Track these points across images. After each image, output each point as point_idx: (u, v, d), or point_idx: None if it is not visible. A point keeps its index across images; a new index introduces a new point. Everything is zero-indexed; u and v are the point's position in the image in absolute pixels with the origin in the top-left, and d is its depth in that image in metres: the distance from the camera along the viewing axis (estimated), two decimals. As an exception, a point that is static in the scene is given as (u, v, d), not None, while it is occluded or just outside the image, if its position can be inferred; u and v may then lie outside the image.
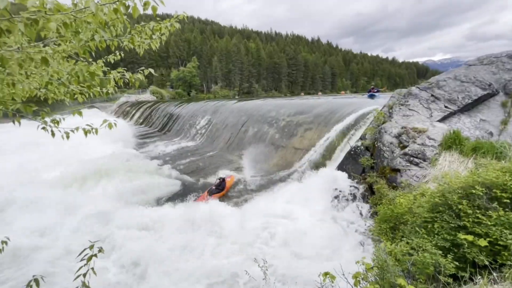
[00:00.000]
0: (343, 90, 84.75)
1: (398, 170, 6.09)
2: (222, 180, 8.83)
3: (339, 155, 8.32)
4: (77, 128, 2.44)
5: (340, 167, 7.63)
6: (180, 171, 10.47)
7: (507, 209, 2.79)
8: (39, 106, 2.38)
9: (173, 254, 4.93)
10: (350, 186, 6.87)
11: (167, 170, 10.07)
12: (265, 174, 9.66)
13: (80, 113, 2.44)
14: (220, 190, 8.45)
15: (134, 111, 33.21)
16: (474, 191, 2.89)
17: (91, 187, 8.09)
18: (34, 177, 8.75)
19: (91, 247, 2.04)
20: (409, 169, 5.92)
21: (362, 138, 7.78)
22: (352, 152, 7.63)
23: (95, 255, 2.01)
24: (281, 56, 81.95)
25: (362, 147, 7.48)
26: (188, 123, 20.02)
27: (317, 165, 8.73)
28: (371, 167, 6.92)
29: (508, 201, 2.85)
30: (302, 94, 70.44)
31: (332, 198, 6.74)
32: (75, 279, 1.95)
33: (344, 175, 7.21)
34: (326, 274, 2.90)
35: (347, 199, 6.64)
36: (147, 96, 49.42)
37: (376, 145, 7.09)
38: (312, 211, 6.11)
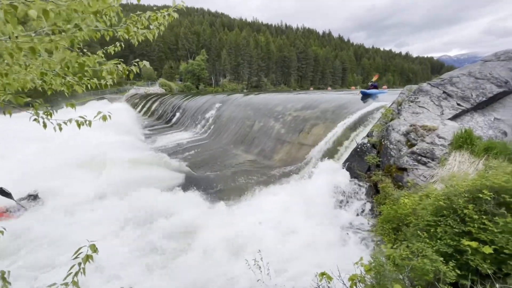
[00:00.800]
0: (353, 85, 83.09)
1: (404, 169, 5.90)
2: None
3: (345, 152, 8.13)
4: (70, 120, 2.39)
5: (345, 165, 7.46)
6: (184, 164, 10.49)
7: (515, 216, 2.63)
8: (41, 98, 2.34)
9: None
10: (355, 184, 6.72)
11: (172, 162, 10.09)
12: (267, 169, 9.58)
13: (73, 106, 2.38)
14: None
15: (142, 103, 33.53)
16: (481, 195, 2.73)
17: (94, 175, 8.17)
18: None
19: (92, 246, 1.94)
20: (416, 169, 5.72)
21: (369, 135, 7.57)
22: (358, 150, 7.44)
23: (91, 256, 1.94)
24: (291, 50, 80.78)
25: (368, 144, 7.29)
26: (194, 116, 20.04)
27: (322, 162, 8.57)
28: (377, 165, 6.74)
29: (517, 207, 2.69)
30: (311, 88, 69.39)
31: (335, 196, 6.61)
32: (65, 277, 1.91)
33: (348, 172, 7.05)
34: (322, 274, 2.83)
35: (350, 197, 6.51)
36: (156, 88, 49.71)
37: (383, 143, 6.89)
38: (313, 208, 6.01)
